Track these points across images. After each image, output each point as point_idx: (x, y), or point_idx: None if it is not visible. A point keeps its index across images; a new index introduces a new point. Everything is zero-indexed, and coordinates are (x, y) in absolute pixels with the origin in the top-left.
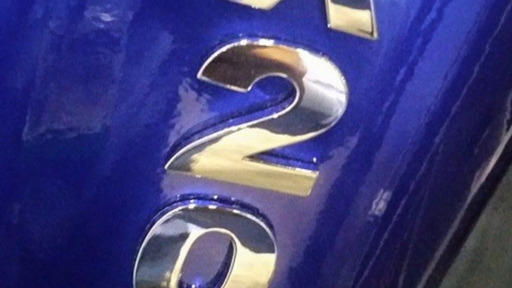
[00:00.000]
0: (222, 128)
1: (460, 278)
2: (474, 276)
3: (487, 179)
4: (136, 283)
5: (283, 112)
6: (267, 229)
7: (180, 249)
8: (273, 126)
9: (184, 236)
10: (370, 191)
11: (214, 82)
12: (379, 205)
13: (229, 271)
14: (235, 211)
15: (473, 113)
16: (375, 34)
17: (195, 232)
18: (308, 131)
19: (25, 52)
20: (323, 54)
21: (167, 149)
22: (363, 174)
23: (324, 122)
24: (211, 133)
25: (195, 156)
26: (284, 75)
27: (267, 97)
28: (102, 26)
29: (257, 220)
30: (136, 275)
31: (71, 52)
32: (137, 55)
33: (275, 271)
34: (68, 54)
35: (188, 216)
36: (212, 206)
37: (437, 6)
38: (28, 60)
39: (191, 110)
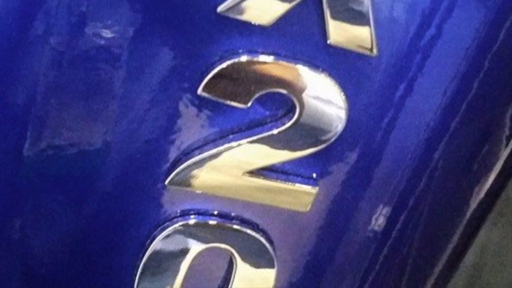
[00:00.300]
0: (222, 144)
1: None
2: None
3: (486, 194)
4: None
5: (283, 128)
6: (267, 245)
7: (180, 264)
8: (273, 142)
9: (184, 252)
10: (369, 206)
11: (214, 98)
12: (378, 221)
13: (229, 286)
14: (235, 226)
15: (472, 129)
16: (375, 50)
17: (195, 247)
18: (308, 147)
19: (26, 68)
20: (323, 70)
21: (168, 164)
22: (363, 189)
23: (323, 138)
24: (211, 149)
25: (195, 172)
26: (284, 91)
27: (267, 113)
28: (102, 42)
29: (257, 236)
30: None
31: (71, 68)
32: (137, 71)
33: (275, 287)
34: (69, 70)
35: (188, 232)
36: (212, 222)
37: (436, 22)
38: (29, 76)
39: (191, 126)
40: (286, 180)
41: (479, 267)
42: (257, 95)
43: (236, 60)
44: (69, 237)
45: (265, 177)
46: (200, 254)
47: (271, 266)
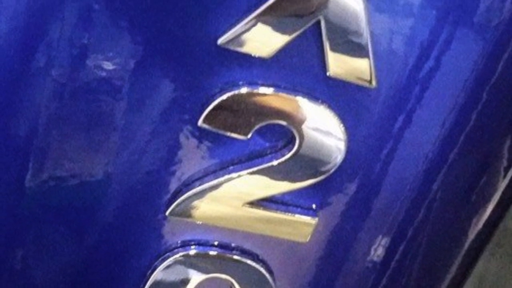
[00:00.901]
0: (223, 175)
1: None
2: None
3: (484, 225)
4: None
5: (283, 159)
6: (267, 275)
7: None
8: (273, 173)
9: (185, 282)
10: (368, 237)
11: (214, 130)
12: (377, 251)
13: None
14: (236, 257)
15: (470, 160)
16: (374, 82)
17: (195, 277)
18: (308, 178)
19: (28, 99)
20: (322, 102)
21: (168, 195)
22: (362, 220)
23: (323, 169)
24: (211, 180)
25: (196, 203)
26: (283, 123)
27: (267, 144)
28: (104, 74)
29: (257, 266)
30: None
31: (73, 100)
32: (138, 103)
33: None
34: (70, 102)
35: (189, 262)
36: (212, 252)
37: (435, 54)
38: (30, 107)
39: (192, 157)
40: (286, 211)
41: None
42: (257, 127)
43: (236, 92)
44: (70, 267)
45: (265, 208)
46: (200, 285)
47: None
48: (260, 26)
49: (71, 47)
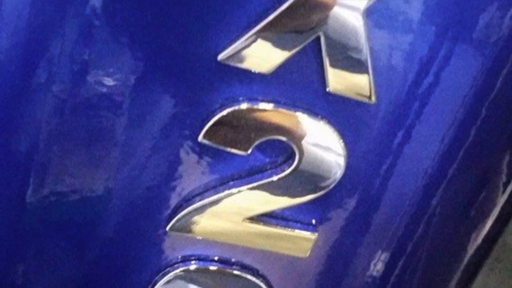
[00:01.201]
0: (223, 191)
1: None
2: None
3: (484, 240)
4: None
5: (283, 174)
6: None
7: None
8: (273, 189)
9: None
10: (368, 252)
11: (214, 145)
12: (377, 266)
13: None
14: (236, 272)
15: (469, 176)
16: (373, 98)
17: None
18: (307, 193)
19: (28, 115)
20: (322, 118)
21: (169, 211)
22: (362, 235)
23: (323, 184)
24: (211, 195)
25: (196, 218)
26: (283, 138)
27: (267, 160)
28: (104, 90)
29: (257, 281)
30: None
31: (74, 116)
32: (139, 119)
33: None
34: (71, 118)
35: (189, 277)
36: (213, 267)
37: (434, 70)
38: (31, 123)
39: (192, 172)
40: (286, 226)
41: None
42: (257, 142)
43: (236, 107)
44: (71, 282)
45: (265, 223)
46: None
47: None
48: (260, 42)
49: (72, 63)
